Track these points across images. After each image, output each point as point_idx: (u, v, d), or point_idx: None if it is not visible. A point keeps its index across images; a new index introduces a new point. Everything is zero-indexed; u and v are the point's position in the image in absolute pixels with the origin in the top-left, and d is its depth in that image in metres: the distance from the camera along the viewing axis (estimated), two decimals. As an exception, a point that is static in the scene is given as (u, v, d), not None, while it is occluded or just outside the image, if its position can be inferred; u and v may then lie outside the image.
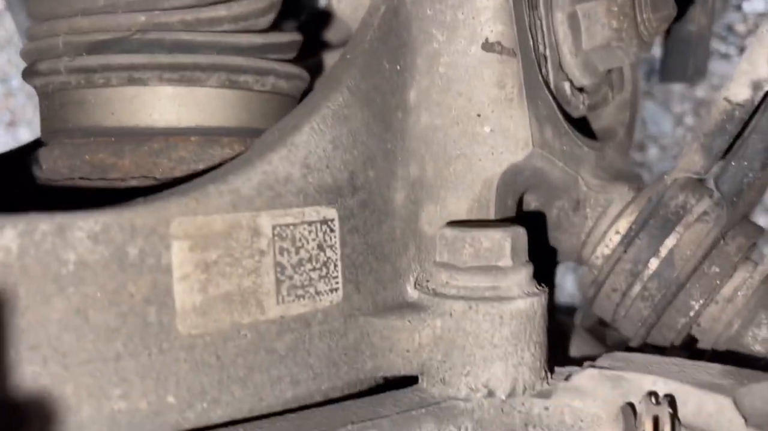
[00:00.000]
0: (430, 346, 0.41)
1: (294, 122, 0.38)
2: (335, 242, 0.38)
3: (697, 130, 0.43)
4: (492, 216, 0.47)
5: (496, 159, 0.46)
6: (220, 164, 0.45)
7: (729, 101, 0.41)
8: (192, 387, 0.33)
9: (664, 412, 0.35)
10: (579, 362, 0.45)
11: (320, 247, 0.37)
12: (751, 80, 0.40)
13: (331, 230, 0.38)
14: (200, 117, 0.46)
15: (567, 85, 0.53)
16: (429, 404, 0.39)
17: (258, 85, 0.47)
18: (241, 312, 0.34)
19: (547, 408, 0.40)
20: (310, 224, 0.37)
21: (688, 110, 1.31)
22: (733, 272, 0.47)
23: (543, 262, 0.55)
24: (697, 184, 0.46)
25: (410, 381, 0.42)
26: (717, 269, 0.47)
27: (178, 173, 0.44)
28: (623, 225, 0.50)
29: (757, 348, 0.48)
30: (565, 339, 0.58)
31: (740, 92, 0.41)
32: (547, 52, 0.51)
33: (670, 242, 0.47)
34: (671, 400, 0.36)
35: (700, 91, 1.30)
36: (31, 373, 0.29)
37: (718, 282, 0.47)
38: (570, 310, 0.74)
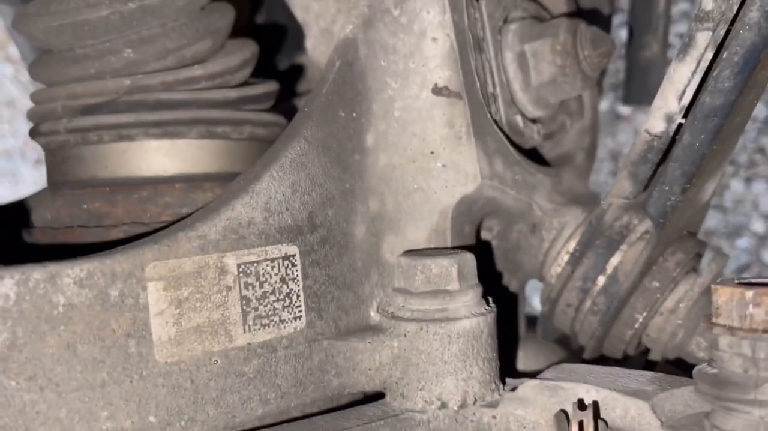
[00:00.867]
0: (389, 364, 0.45)
1: (255, 172, 0.44)
2: (297, 275, 0.44)
3: (625, 158, 0.48)
4: (449, 243, 0.52)
5: (450, 191, 0.51)
6: (202, 208, 0.51)
7: (648, 133, 0.46)
8: (170, 408, 0.38)
9: (589, 417, 0.39)
10: (534, 374, 0.49)
11: (283, 280, 0.43)
12: (665, 114, 0.45)
13: (293, 265, 0.44)
14: (183, 166, 0.51)
15: (519, 119, 0.58)
16: (388, 416, 0.44)
17: (235, 134, 0.53)
18: (211, 341, 0.40)
19: (494, 417, 0.44)
20: (272, 260, 0.42)
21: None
22: (674, 286, 0.51)
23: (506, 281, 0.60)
24: (640, 206, 0.51)
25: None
26: (657, 284, 0.51)
27: (165, 217, 0.50)
28: (573, 245, 0.54)
29: (702, 355, 0.52)
30: (531, 350, 0.63)
31: (657, 125, 0.45)
32: (498, 90, 0.56)
33: (615, 259, 0.51)
34: (596, 406, 0.41)
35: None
36: (30, 400, 0.35)
37: (659, 296, 0.51)
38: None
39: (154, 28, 0.50)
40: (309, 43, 0.65)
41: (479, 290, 0.47)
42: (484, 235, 0.59)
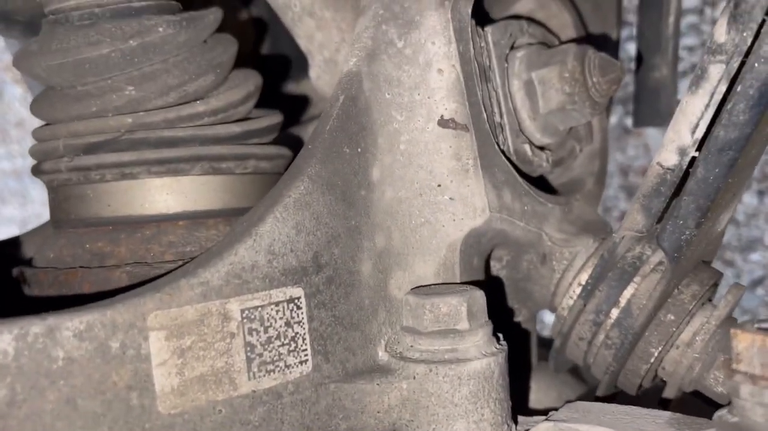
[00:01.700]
0: (398, 407, 0.44)
1: (258, 213, 0.43)
2: (302, 318, 0.43)
3: (637, 191, 0.47)
4: (458, 277, 0.51)
5: (458, 225, 0.50)
6: (206, 245, 0.50)
7: (661, 166, 0.44)
8: (174, 460, 0.37)
9: (605, 463, 0.38)
10: (546, 412, 0.48)
11: (288, 324, 0.42)
12: (678, 147, 0.43)
13: (298, 308, 0.43)
14: (187, 203, 0.51)
15: (527, 147, 0.57)
16: (398, 461, 0.43)
17: (239, 169, 0.52)
18: (215, 391, 0.39)
19: (507, 461, 0.43)
20: (277, 304, 0.41)
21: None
22: (690, 319, 0.50)
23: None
24: (651, 237, 0.49)
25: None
26: (672, 317, 0.50)
27: (169, 256, 0.49)
28: (585, 277, 0.53)
29: (720, 390, 0.50)
30: (544, 382, 0.61)
31: (669, 158, 0.44)
32: (505, 119, 0.55)
33: (627, 292, 0.50)
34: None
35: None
36: (30, 458, 0.34)
37: (674, 329, 0.50)
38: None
39: (155, 65, 0.50)
40: (313, 72, 0.64)
41: (489, 328, 0.46)
42: (493, 265, 0.58)
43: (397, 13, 0.51)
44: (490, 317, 0.47)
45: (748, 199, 1.32)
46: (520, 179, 0.53)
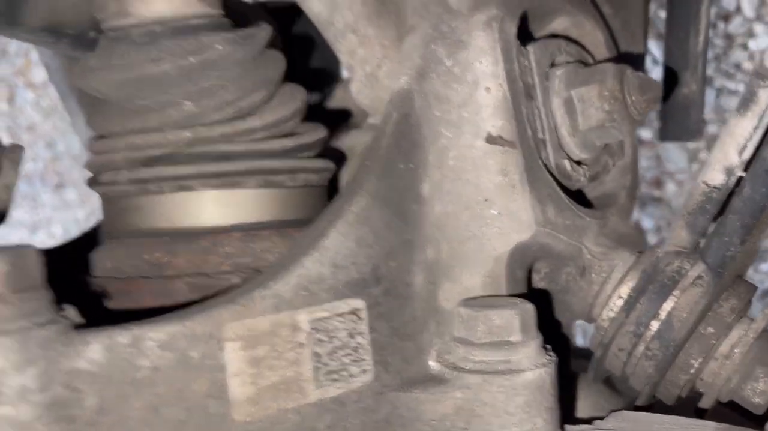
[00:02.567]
0: (452, 415, 0.46)
1: (322, 227, 0.44)
2: (364, 329, 0.44)
3: (682, 209, 0.49)
4: (503, 289, 0.53)
5: (504, 239, 0.52)
6: (261, 256, 0.51)
7: (707, 185, 0.46)
8: (248, 465, 0.38)
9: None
10: (589, 420, 0.49)
11: (351, 335, 0.43)
12: (724, 167, 0.45)
13: (360, 319, 0.44)
14: (241, 215, 0.52)
15: (567, 163, 0.59)
16: (454, 467, 0.44)
17: (291, 182, 0.54)
18: (285, 399, 0.40)
19: (559, 468, 0.45)
20: (341, 315, 0.43)
21: (702, 146, 1.35)
22: (728, 331, 0.52)
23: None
24: (692, 252, 0.51)
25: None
26: (712, 330, 0.51)
27: (225, 267, 0.50)
28: (625, 290, 0.54)
29: (757, 401, 0.52)
30: (579, 391, 0.63)
31: (716, 177, 0.46)
32: (546, 136, 0.57)
33: (668, 305, 0.52)
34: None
35: (712, 127, 1.34)
36: (116, 463, 0.35)
37: (714, 341, 0.52)
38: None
39: (212, 81, 0.51)
40: (354, 86, 0.66)
41: (540, 339, 0.48)
42: (532, 277, 0.59)
43: (445, 33, 0.53)
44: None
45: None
46: (562, 194, 0.55)
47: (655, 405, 0.56)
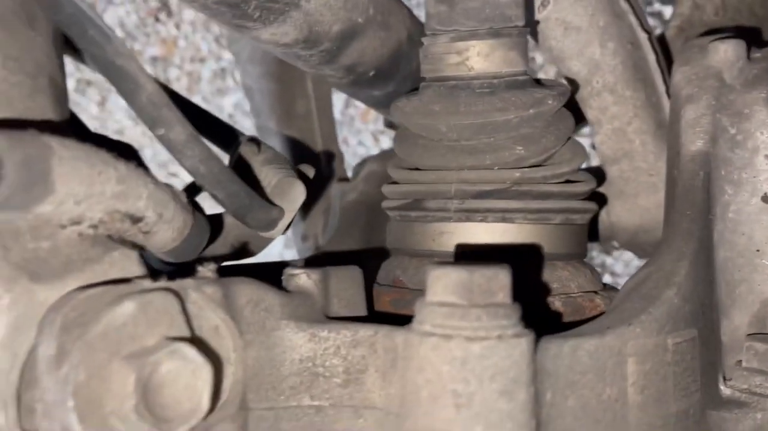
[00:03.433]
0: (752, 433, 0.54)
1: (671, 267, 0.53)
2: (696, 354, 0.52)
3: None
4: (767, 329, 0.61)
5: (772, 285, 0.60)
6: (567, 284, 0.59)
7: None
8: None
9: None
10: None
11: (692, 358, 0.52)
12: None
13: (694, 346, 0.52)
14: (548, 247, 0.60)
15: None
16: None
17: (581, 221, 0.62)
18: (660, 408, 0.48)
19: None
20: (688, 341, 0.51)
21: None
22: None
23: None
24: None
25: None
26: None
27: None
28: None
29: None
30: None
31: None
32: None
33: None
34: None
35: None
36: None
37: None
38: None
39: (537, 129, 0.60)
40: (598, 138, 0.75)
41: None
42: None
43: (726, 105, 0.62)
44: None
45: None
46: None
47: None
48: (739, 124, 0.61)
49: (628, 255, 1.65)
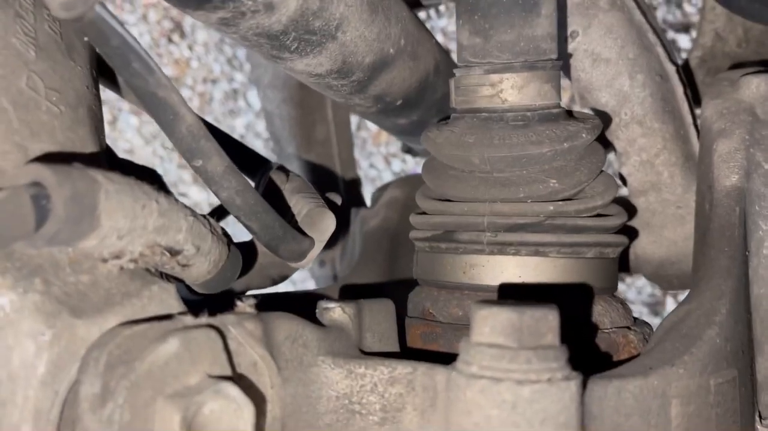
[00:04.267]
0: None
1: (710, 306, 0.52)
2: (736, 395, 0.51)
3: None
4: (801, 367, 0.61)
5: (806, 323, 0.60)
6: (598, 318, 0.59)
7: None
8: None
9: None
10: None
11: (733, 399, 0.51)
12: None
13: (735, 386, 0.52)
14: (582, 278, 0.60)
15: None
16: None
17: (613, 254, 0.61)
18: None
19: None
20: (728, 381, 0.50)
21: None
22: None
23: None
24: None
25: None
26: None
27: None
28: None
29: None
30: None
31: None
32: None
33: None
34: None
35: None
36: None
37: None
38: None
39: (570, 162, 0.60)
40: (625, 170, 0.75)
41: None
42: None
43: (759, 140, 0.62)
44: None
45: None
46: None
47: None
48: (772, 159, 0.61)
49: (640, 282, 1.64)
